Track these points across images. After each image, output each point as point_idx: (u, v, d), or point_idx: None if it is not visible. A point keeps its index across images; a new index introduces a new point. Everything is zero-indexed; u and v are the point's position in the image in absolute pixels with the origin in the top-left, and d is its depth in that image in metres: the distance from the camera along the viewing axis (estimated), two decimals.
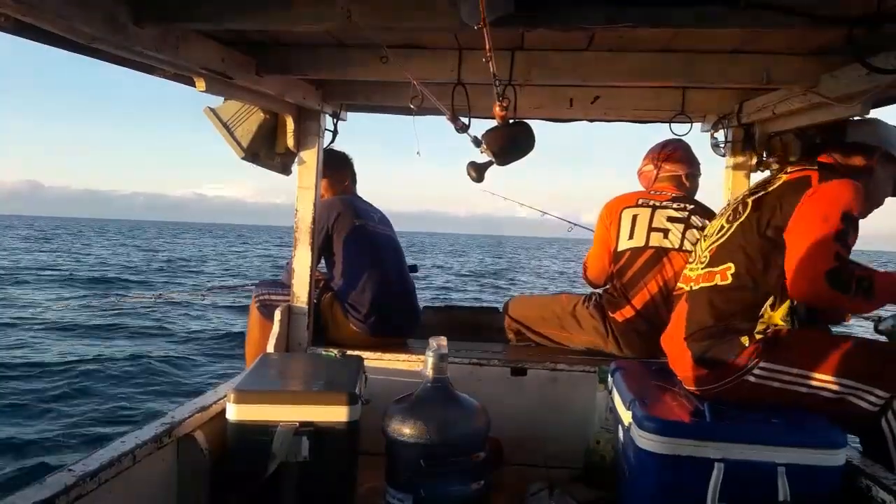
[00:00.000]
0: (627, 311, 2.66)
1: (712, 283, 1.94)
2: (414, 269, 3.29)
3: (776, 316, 1.86)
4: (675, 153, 2.85)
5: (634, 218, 2.74)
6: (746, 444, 1.65)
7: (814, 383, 1.81)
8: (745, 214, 1.95)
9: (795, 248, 1.79)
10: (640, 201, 2.78)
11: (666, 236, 2.67)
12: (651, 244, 2.68)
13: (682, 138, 2.80)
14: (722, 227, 2.03)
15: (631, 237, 2.72)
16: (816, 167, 1.91)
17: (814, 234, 1.77)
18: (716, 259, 1.97)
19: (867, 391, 1.81)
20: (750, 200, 1.97)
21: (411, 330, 2.96)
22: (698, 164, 2.90)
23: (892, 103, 2.02)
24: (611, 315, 2.71)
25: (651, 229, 2.69)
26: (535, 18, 1.50)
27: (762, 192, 1.96)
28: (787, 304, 1.87)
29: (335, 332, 2.84)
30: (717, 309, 1.91)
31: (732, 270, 1.90)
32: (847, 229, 1.77)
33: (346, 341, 2.74)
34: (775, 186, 1.93)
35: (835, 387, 1.81)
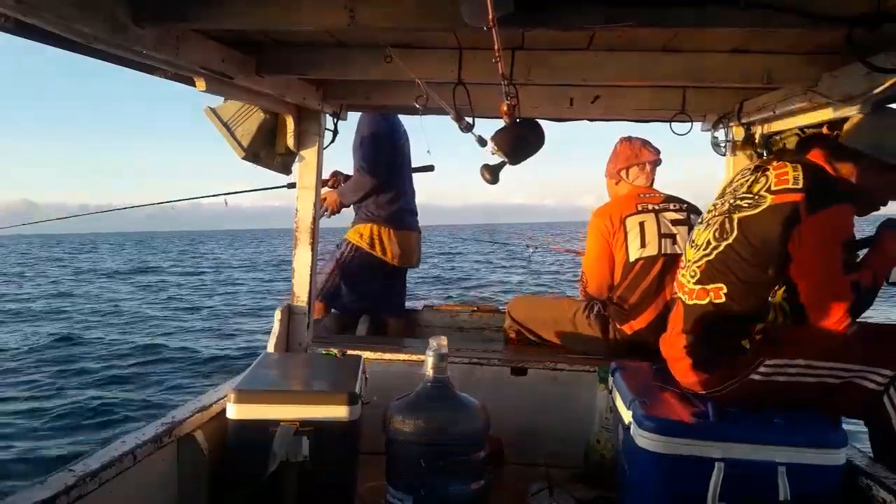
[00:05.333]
0: (638, 323, 2.59)
1: (706, 301, 1.91)
2: (430, 168, 3.71)
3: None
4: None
5: (642, 225, 2.65)
6: (746, 444, 1.65)
7: (820, 372, 1.80)
8: (733, 237, 1.87)
9: (811, 293, 1.78)
10: (640, 206, 2.70)
11: (675, 242, 2.62)
12: (664, 252, 2.60)
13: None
14: (709, 242, 1.96)
15: (643, 246, 2.63)
16: (802, 178, 1.80)
17: (825, 277, 1.76)
18: (706, 277, 1.92)
19: (872, 371, 1.81)
20: (736, 219, 1.89)
21: (414, 222, 3.54)
22: None
23: (891, 103, 2.02)
24: (619, 327, 2.63)
25: (661, 236, 2.62)
26: (535, 18, 1.50)
27: (748, 213, 1.86)
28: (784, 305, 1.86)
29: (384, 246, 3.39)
30: (715, 322, 1.90)
31: (725, 291, 1.87)
32: (851, 255, 1.77)
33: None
34: (761, 209, 1.83)
35: (840, 372, 1.81)
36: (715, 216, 2.00)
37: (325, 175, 3.58)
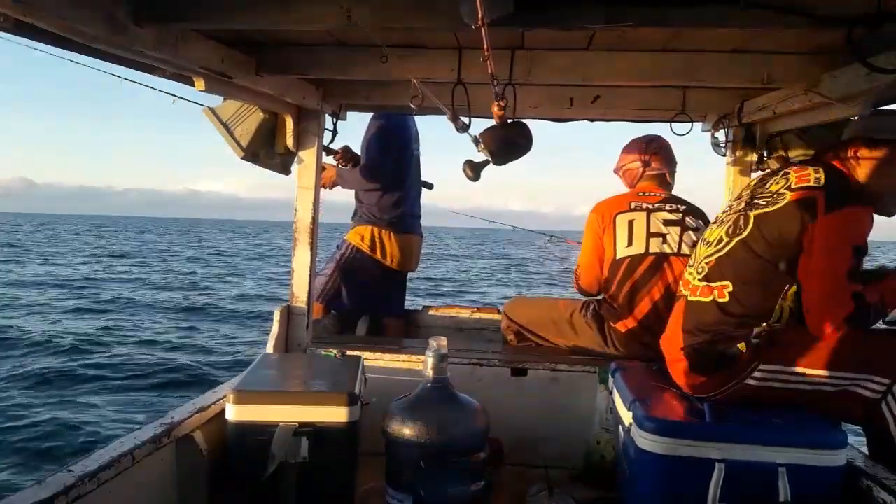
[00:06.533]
0: (630, 322, 2.59)
1: (709, 299, 1.91)
2: (429, 185, 3.73)
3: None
4: (661, 151, 2.80)
5: (630, 223, 2.66)
6: (747, 445, 1.65)
7: (815, 379, 1.80)
8: (747, 231, 1.88)
9: (812, 295, 1.78)
10: (633, 205, 2.70)
11: (665, 241, 2.61)
12: (651, 251, 2.60)
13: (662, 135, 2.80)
14: (721, 238, 1.96)
15: (630, 244, 2.63)
16: (823, 178, 1.81)
17: (829, 278, 1.76)
18: (714, 274, 1.92)
19: (868, 380, 1.80)
20: (752, 216, 1.89)
21: (416, 226, 3.56)
22: (676, 161, 2.88)
23: (891, 103, 2.01)
24: (612, 325, 2.64)
25: (650, 234, 2.62)
26: (534, 18, 1.50)
27: (765, 210, 1.87)
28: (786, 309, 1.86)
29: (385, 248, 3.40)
30: (715, 322, 1.89)
31: (730, 289, 1.87)
32: (859, 262, 1.77)
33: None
34: (780, 206, 1.83)
35: (836, 380, 1.80)
36: (730, 214, 2.01)
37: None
